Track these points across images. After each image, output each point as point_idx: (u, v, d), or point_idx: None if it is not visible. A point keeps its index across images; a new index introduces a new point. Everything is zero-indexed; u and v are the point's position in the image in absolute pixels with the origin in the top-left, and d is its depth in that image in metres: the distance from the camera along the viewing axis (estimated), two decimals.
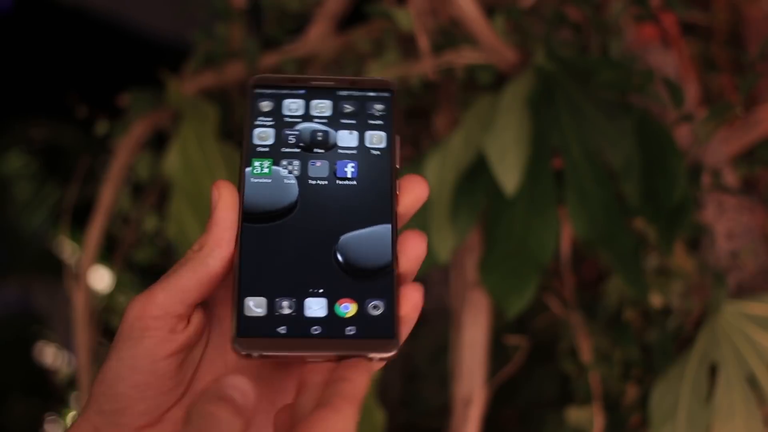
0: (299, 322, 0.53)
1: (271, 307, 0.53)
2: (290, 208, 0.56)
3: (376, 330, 0.53)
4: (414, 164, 1.06)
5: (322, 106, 0.59)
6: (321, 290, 0.54)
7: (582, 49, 1.08)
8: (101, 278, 1.38)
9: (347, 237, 0.55)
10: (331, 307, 0.54)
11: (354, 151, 0.58)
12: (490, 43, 1.05)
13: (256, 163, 0.57)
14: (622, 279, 1.01)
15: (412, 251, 0.55)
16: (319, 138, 0.58)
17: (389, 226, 0.56)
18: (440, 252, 1.03)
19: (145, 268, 1.29)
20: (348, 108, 0.59)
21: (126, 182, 1.25)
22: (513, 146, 1.00)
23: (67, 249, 1.73)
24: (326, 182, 0.57)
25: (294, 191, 0.56)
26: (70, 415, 1.72)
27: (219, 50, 1.21)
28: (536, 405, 1.23)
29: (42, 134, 1.85)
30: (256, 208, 0.55)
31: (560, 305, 1.10)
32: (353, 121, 0.59)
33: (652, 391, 1.01)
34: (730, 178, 1.07)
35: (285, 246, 0.55)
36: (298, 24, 1.23)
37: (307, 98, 0.59)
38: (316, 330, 0.53)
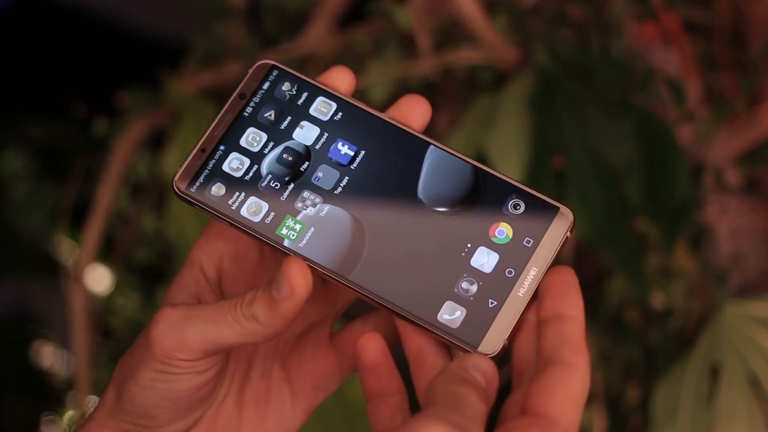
0: (493, 281, 0.47)
1: (461, 298, 0.47)
2: (358, 225, 0.48)
3: (541, 218, 0.47)
4: None
5: (252, 137, 0.51)
6: (468, 246, 0.48)
7: (583, 49, 1.07)
8: (100, 279, 1.38)
9: (422, 189, 0.49)
10: (492, 246, 0.47)
11: (326, 134, 0.51)
12: (490, 42, 1.04)
13: (283, 231, 0.49)
14: (624, 279, 1.01)
15: (416, 113, 0.50)
16: (289, 158, 0.50)
17: (431, 145, 0.49)
18: None
19: (144, 268, 1.29)
20: (269, 114, 0.51)
21: (125, 182, 1.24)
22: (514, 146, 1.00)
23: (66, 249, 1.72)
24: (346, 177, 0.50)
25: (340, 212, 0.49)
26: (68, 415, 1.71)
27: (218, 49, 1.20)
28: None
29: (40, 134, 1.84)
30: (338, 258, 0.48)
31: None
32: (289, 118, 0.51)
33: (654, 391, 1.01)
34: (732, 177, 1.07)
35: (396, 252, 0.48)
36: (298, 23, 1.23)
37: (233, 146, 0.51)
38: (509, 272, 0.47)
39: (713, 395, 1.00)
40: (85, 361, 1.18)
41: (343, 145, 0.50)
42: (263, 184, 0.50)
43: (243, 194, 0.50)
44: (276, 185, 0.50)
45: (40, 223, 1.77)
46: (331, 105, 0.51)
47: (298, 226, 0.49)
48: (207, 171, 0.51)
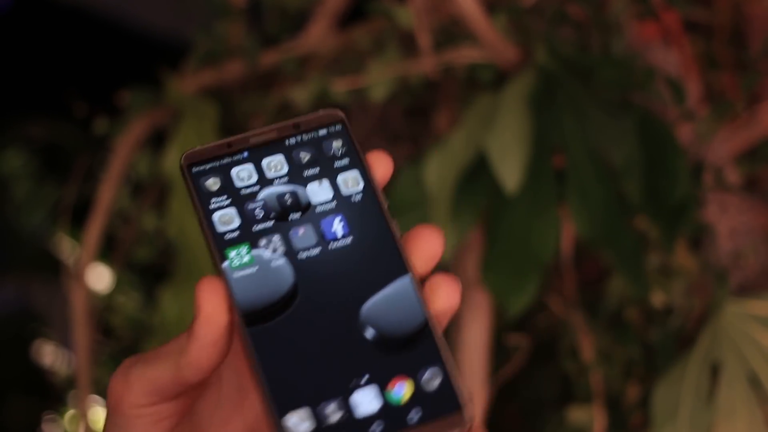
0: (354, 425, 0.44)
1: (318, 417, 0.44)
2: (292, 294, 0.47)
3: (442, 405, 0.45)
4: (414, 163, 1.06)
5: (276, 164, 0.49)
6: (366, 377, 0.45)
7: (583, 48, 1.08)
8: (101, 277, 1.38)
9: (368, 306, 0.47)
10: (380, 396, 0.45)
11: (333, 204, 0.49)
12: (490, 41, 1.05)
13: (232, 254, 0.47)
14: (624, 278, 1.01)
15: (426, 249, 0.48)
16: (289, 201, 0.49)
17: (408, 276, 0.47)
18: None
19: (145, 267, 1.29)
20: (304, 156, 0.50)
21: (126, 181, 1.24)
22: (514, 145, 1.00)
23: (66, 248, 1.73)
24: (319, 249, 0.48)
25: (287, 272, 0.47)
26: (68, 415, 1.71)
27: (219, 48, 1.20)
28: (537, 404, 1.23)
29: (41, 133, 1.84)
30: (254, 307, 0.46)
31: (561, 304, 1.10)
32: (316, 170, 0.49)
33: (654, 390, 1.01)
34: (732, 176, 1.07)
35: (303, 339, 0.46)
36: (298, 22, 1.23)
37: (255, 160, 0.50)
38: (378, 427, 0.44)
39: (713, 394, 1.00)
40: (85, 359, 1.18)
41: (339, 222, 0.48)
42: (249, 206, 0.49)
43: (228, 201, 0.49)
44: (259, 214, 0.48)
45: (40, 222, 1.77)
46: (359, 184, 0.50)
47: (246, 258, 0.47)
48: (217, 164, 0.49)
